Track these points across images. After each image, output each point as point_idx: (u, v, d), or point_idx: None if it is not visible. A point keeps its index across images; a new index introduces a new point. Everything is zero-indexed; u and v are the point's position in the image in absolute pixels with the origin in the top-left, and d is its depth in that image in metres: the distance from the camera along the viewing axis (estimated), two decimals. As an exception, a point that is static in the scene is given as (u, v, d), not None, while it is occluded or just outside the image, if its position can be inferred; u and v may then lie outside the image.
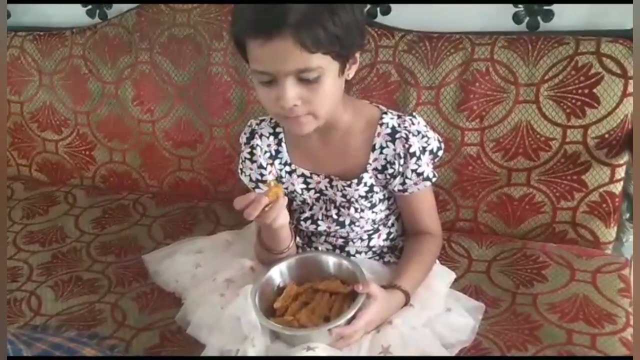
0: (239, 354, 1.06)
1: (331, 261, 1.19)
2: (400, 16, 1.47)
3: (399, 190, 1.18)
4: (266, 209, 1.05)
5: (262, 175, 1.22)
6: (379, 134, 1.15)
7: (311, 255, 1.23)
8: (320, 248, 1.27)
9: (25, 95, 1.79)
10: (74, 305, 1.33)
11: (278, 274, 1.18)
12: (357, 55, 1.09)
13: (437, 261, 1.27)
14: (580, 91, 1.31)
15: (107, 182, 1.79)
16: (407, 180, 1.16)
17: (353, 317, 1.05)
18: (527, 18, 1.41)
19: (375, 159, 1.16)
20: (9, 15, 1.82)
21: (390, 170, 1.16)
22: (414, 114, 1.18)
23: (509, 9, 1.41)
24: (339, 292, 1.14)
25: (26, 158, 1.86)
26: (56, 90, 1.75)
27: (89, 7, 1.76)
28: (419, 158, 1.14)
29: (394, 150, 1.14)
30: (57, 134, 1.79)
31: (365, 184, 1.17)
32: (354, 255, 1.25)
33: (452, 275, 1.25)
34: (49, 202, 1.74)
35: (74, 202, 1.73)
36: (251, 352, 1.05)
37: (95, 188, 1.79)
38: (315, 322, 1.09)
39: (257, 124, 1.23)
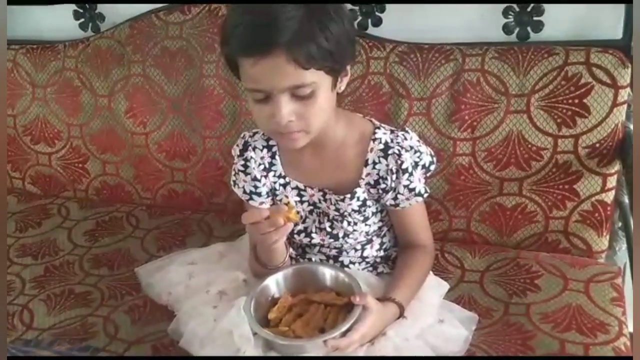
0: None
1: (327, 273, 1.19)
2: (391, 28, 1.48)
3: (390, 205, 1.18)
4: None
5: (256, 187, 1.22)
6: (371, 149, 1.15)
7: (308, 266, 1.23)
8: (314, 259, 1.27)
9: (18, 109, 1.79)
10: (67, 319, 1.32)
11: (274, 283, 1.18)
12: (348, 67, 1.10)
13: (430, 272, 1.27)
14: (570, 101, 1.31)
15: (100, 194, 1.79)
16: (399, 196, 1.16)
17: (349, 329, 1.05)
18: (517, 29, 1.41)
19: (368, 174, 1.16)
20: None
21: (383, 186, 1.16)
22: (406, 128, 1.19)
23: (499, 19, 1.42)
24: (334, 303, 1.13)
25: (19, 171, 1.86)
26: (49, 103, 1.75)
27: (82, 20, 1.76)
28: (411, 174, 1.14)
29: (387, 165, 1.14)
30: (50, 146, 1.79)
31: (358, 199, 1.18)
32: (347, 266, 1.25)
33: (445, 287, 1.25)
34: (42, 215, 1.74)
35: (67, 215, 1.73)
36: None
37: (88, 200, 1.79)
38: (310, 334, 1.09)
39: (251, 137, 1.23)
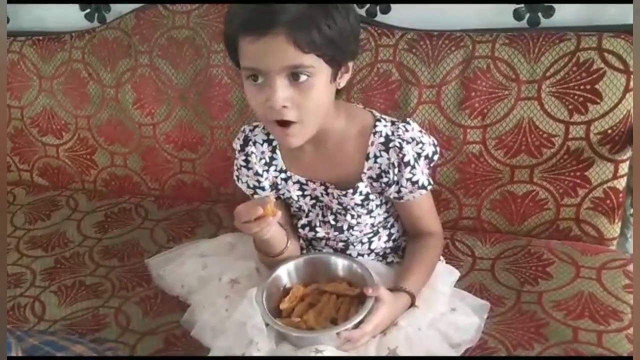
0: (244, 358, 1.06)
1: (340, 263, 1.19)
2: (400, 15, 1.47)
3: (394, 198, 1.17)
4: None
5: (259, 182, 1.22)
6: (372, 143, 1.14)
7: (320, 256, 1.22)
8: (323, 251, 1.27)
9: (25, 100, 1.78)
10: (78, 310, 1.33)
11: (286, 274, 1.18)
12: (350, 64, 1.09)
13: (442, 260, 1.26)
14: (582, 87, 1.30)
15: (108, 186, 1.79)
16: (402, 189, 1.15)
17: (361, 321, 1.05)
18: (528, 14, 1.40)
19: (369, 168, 1.15)
20: (7, 20, 1.81)
21: (385, 179, 1.14)
22: (408, 119, 1.16)
23: (510, 5, 1.40)
24: (347, 294, 1.13)
25: (27, 163, 1.86)
26: (56, 94, 1.75)
27: (88, 10, 1.75)
28: (413, 167, 1.12)
29: (388, 159, 1.13)
30: (57, 138, 1.79)
31: (360, 193, 1.16)
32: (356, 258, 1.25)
33: (456, 274, 1.24)
34: (51, 207, 1.74)
35: (76, 207, 1.73)
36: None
37: (97, 192, 1.79)
38: (323, 324, 1.09)
39: (251, 130, 1.22)
